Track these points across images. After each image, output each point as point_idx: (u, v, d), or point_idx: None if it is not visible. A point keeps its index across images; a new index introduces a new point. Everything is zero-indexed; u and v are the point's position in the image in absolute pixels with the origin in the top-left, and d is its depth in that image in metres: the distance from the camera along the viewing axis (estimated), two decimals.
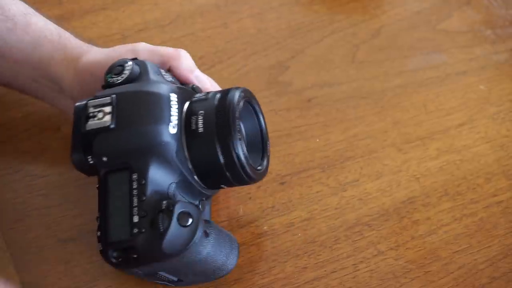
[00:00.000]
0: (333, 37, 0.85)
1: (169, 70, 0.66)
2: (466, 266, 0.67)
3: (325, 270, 0.66)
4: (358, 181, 0.72)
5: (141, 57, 0.65)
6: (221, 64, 0.81)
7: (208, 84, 0.68)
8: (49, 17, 0.72)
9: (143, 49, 0.66)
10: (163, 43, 0.81)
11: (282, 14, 0.86)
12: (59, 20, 0.81)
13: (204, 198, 0.62)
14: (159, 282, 0.61)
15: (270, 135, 0.74)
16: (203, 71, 0.79)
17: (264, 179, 0.71)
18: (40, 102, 0.73)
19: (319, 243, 0.68)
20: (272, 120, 0.76)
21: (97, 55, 0.67)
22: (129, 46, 0.67)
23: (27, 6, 0.72)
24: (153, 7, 0.86)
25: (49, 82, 0.69)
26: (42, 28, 0.69)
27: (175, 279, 0.60)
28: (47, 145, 0.73)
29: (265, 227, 0.69)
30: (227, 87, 0.63)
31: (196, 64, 0.79)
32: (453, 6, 0.89)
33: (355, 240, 0.68)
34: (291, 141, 0.75)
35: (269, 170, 0.71)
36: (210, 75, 0.79)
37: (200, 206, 0.61)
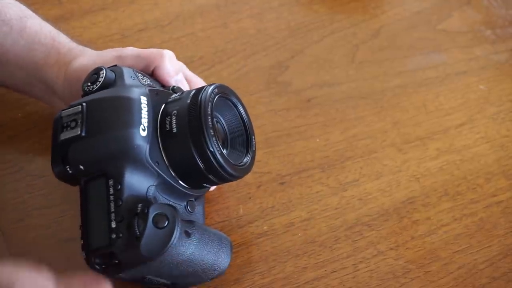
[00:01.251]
0: (333, 37, 0.85)
1: (153, 72, 0.66)
2: (466, 266, 0.67)
3: (325, 270, 0.66)
4: (358, 181, 0.72)
5: (127, 62, 0.64)
6: (221, 64, 0.81)
7: (187, 88, 0.67)
8: (47, 18, 0.72)
9: (129, 54, 0.66)
10: (163, 43, 0.82)
11: (282, 14, 0.86)
12: (59, 20, 0.81)
13: (193, 199, 0.62)
14: (154, 286, 0.61)
15: (270, 135, 0.74)
16: (202, 71, 0.79)
17: (264, 179, 0.71)
18: (41, 102, 0.73)
19: (319, 243, 0.68)
20: (272, 120, 0.76)
21: (84, 60, 0.67)
22: (115, 51, 0.67)
23: (24, 8, 0.72)
24: (153, 7, 0.86)
25: (43, 85, 0.69)
26: (37, 31, 0.69)
27: (168, 282, 0.60)
28: (48, 145, 0.72)
29: (265, 227, 0.69)
30: None
31: (196, 64, 0.80)
32: (453, 6, 0.89)
33: (355, 240, 0.68)
34: (291, 141, 0.75)
35: (269, 170, 0.72)
36: (209, 75, 0.79)
37: (188, 208, 0.61)
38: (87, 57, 0.67)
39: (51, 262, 0.65)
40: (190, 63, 0.80)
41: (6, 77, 0.71)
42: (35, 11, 0.73)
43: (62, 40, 0.70)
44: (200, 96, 0.59)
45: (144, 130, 0.57)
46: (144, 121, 0.58)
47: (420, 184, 0.72)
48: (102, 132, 0.57)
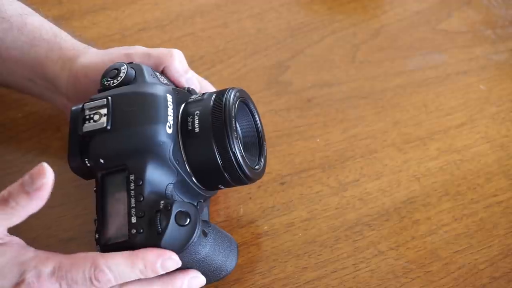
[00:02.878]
0: (333, 37, 0.85)
1: (163, 72, 0.66)
2: (466, 266, 0.67)
3: (326, 270, 0.66)
4: (358, 181, 0.72)
5: (135, 60, 0.65)
6: (221, 64, 0.81)
7: (198, 87, 0.68)
8: (47, 17, 0.72)
9: (137, 52, 0.66)
10: (163, 43, 0.82)
11: (282, 14, 0.86)
12: (59, 20, 0.81)
13: (202, 200, 0.62)
14: None
15: (270, 135, 0.74)
16: (203, 71, 0.79)
17: (265, 179, 0.71)
18: (40, 102, 0.73)
19: (320, 243, 0.68)
20: (272, 120, 0.76)
21: (92, 57, 0.67)
22: (124, 49, 0.67)
23: (24, 6, 0.72)
24: (153, 7, 0.86)
25: (44, 81, 0.69)
26: (38, 27, 0.70)
27: None
28: (47, 145, 0.73)
29: (265, 227, 0.69)
30: (226, 87, 0.63)
31: (196, 64, 0.80)
32: (453, 6, 0.89)
33: (356, 240, 0.68)
34: (291, 141, 0.75)
35: (269, 170, 0.72)
36: (210, 75, 0.79)
37: (197, 208, 0.61)
38: (94, 55, 0.67)
39: None
40: (191, 63, 0.79)
41: (8, 74, 0.70)
42: (35, 9, 0.73)
43: (64, 36, 0.70)
44: (223, 99, 0.60)
45: (170, 127, 0.58)
46: (170, 119, 0.58)
47: (421, 184, 0.72)
48: (129, 126, 0.57)
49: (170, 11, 0.85)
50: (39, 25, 0.70)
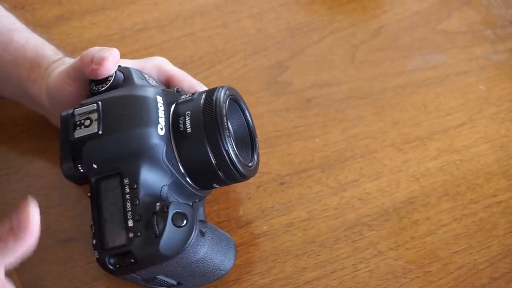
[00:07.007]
0: (332, 37, 0.85)
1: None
2: (466, 266, 0.67)
3: (325, 270, 0.66)
4: (357, 181, 0.72)
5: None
6: (220, 64, 0.81)
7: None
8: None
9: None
10: (162, 43, 0.82)
11: (281, 14, 0.86)
12: (59, 20, 0.81)
13: (197, 200, 0.62)
14: (159, 287, 0.61)
15: (269, 135, 0.74)
16: (202, 71, 0.79)
17: (264, 179, 0.71)
18: None
19: (319, 243, 0.68)
20: (272, 120, 0.76)
21: (55, 75, 0.66)
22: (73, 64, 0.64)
23: (14, 21, 0.71)
24: (153, 7, 0.86)
25: (30, 100, 0.69)
26: (23, 45, 0.69)
27: (175, 282, 0.60)
28: (47, 145, 0.73)
29: (264, 227, 0.69)
30: None
31: (196, 65, 0.80)
32: (453, 6, 0.89)
33: (355, 240, 0.68)
34: (291, 141, 0.75)
35: (268, 170, 0.72)
36: (209, 75, 0.79)
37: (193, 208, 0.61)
38: (57, 73, 0.66)
39: (50, 262, 0.65)
40: (190, 63, 0.80)
41: None
42: (26, 23, 0.72)
43: (46, 53, 0.69)
44: (214, 98, 0.60)
45: (162, 129, 0.58)
46: (162, 120, 0.58)
47: (420, 184, 0.72)
48: (120, 130, 0.57)
49: (170, 11, 0.85)
50: (24, 42, 0.69)
